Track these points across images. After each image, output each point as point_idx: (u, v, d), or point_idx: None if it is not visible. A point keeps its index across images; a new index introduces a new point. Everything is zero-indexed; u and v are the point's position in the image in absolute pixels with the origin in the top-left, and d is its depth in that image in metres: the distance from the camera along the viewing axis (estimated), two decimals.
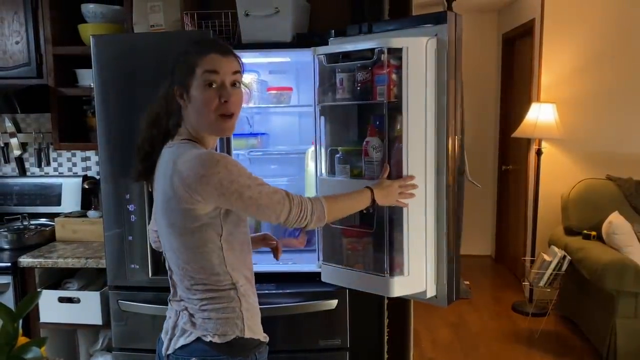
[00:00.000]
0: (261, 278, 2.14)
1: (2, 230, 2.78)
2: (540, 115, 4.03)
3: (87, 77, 2.74)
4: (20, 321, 1.15)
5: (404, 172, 1.81)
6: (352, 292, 2.21)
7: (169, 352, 1.54)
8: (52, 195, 3.03)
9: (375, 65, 1.84)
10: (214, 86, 1.47)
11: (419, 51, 1.79)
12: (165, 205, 1.47)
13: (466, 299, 4.33)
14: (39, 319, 2.49)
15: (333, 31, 2.10)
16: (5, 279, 2.48)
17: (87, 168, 3.12)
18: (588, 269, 3.49)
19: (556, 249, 3.80)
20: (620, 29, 4.20)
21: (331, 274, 2.08)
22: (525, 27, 4.71)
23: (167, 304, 1.63)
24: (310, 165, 2.39)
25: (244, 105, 1.59)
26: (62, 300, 2.46)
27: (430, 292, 1.93)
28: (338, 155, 2.03)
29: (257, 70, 2.61)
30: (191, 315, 1.52)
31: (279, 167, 2.78)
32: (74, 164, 3.13)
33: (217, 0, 2.55)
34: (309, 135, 2.38)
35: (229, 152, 2.14)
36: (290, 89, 2.62)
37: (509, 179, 5.31)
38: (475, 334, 3.93)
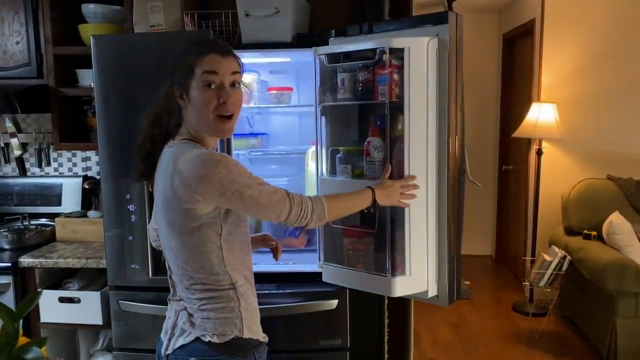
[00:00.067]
0: (261, 278, 2.15)
1: (2, 230, 2.78)
2: (541, 115, 4.03)
3: (88, 77, 2.74)
4: (21, 321, 1.16)
5: (406, 172, 1.81)
6: (352, 292, 2.21)
7: (168, 352, 1.55)
8: (52, 196, 3.03)
9: (376, 65, 1.84)
10: (213, 87, 1.47)
11: (420, 51, 1.79)
12: (165, 205, 1.47)
13: (467, 299, 4.35)
14: (39, 319, 2.49)
15: (333, 31, 2.10)
16: (6, 279, 2.48)
17: (88, 168, 3.12)
18: (588, 269, 3.49)
19: (556, 249, 3.80)
20: (621, 29, 4.20)
21: (332, 274, 2.08)
22: (525, 27, 4.71)
23: (167, 304, 1.63)
24: (311, 165, 2.39)
25: (244, 105, 1.59)
26: (62, 300, 2.46)
27: (432, 292, 1.93)
28: (339, 155, 2.03)
29: (257, 70, 2.61)
30: (190, 315, 1.52)
31: (279, 167, 2.78)
32: (74, 164, 3.13)
33: (217, 1, 2.55)
34: (309, 135, 2.38)
35: (229, 152, 2.14)
36: (291, 89, 2.62)
37: (509, 179, 5.31)
38: (475, 334, 3.93)
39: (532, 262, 4.04)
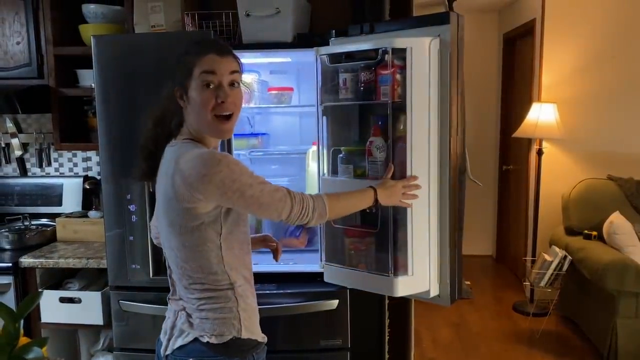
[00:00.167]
0: (262, 278, 2.15)
1: (3, 230, 2.78)
2: (541, 115, 4.03)
3: (88, 78, 2.74)
4: (22, 321, 1.16)
5: (408, 172, 1.81)
6: (353, 292, 2.21)
7: (167, 352, 1.55)
8: (53, 196, 3.03)
9: (379, 66, 1.84)
10: (211, 87, 1.47)
11: (422, 51, 1.79)
12: (166, 204, 1.47)
13: (467, 299, 4.34)
14: (40, 319, 2.49)
15: (334, 31, 2.10)
16: (7, 279, 2.48)
17: (88, 168, 3.12)
18: (589, 269, 3.49)
19: (557, 249, 3.79)
20: (621, 29, 4.20)
21: (334, 274, 2.09)
22: (526, 27, 4.71)
23: (167, 304, 1.63)
24: (311, 166, 2.39)
25: (245, 105, 1.59)
26: (63, 300, 2.46)
27: (434, 292, 1.93)
28: (341, 155, 2.03)
29: (257, 70, 2.61)
30: (189, 316, 1.52)
31: (280, 167, 2.78)
32: (75, 164, 3.13)
33: (217, 1, 2.55)
34: (310, 136, 2.38)
35: (229, 152, 2.14)
36: (291, 89, 2.62)
37: (509, 179, 5.31)
38: (476, 334, 3.93)
39: (533, 262, 4.04)
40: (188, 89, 1.48)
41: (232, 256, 1.51)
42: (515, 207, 5.08)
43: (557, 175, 4.30)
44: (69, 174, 3.12)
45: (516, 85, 5.17)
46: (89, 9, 2.70)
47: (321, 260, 2.12)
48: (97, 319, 2.47)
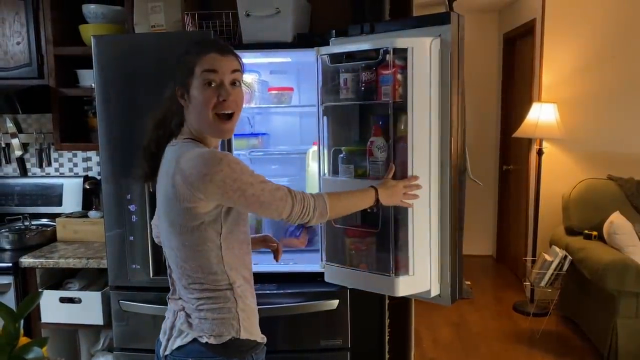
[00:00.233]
0: (262, 278, 2.15)
1: (3, 230, 2.78)
2: (541, 115, 4.03)
3: (88, 78, 2.74)
4: (22, 321, 1.16)
5: (409, 172, 1.82)
6: (353, 292, 2.21)
7: (167, 352, 1.55)
8: (53, 196, 3.03)
9: (380, 66, 1.85)
10: (212, 85, 1.47)
11: (423, 51, 1.79)
12: (167, 204, 1.47)
13: (467, 299, 4.34)
14: (40, 319, 2.49)
15: (334, 31, 2.10)
16: (7, 279, 2.48)
17: (88, 168, 3.12)
18: (589, 269, 3.49)
19: (557, 249, 3.79)
20: (621, 29, 4.20)
21: (335, 274, 2.09)
22: (526, 27, 4.71)
23: (167, 304, 1.63)
24: (311, 166, 2.39)
25: (245, 105, 1.59)
26: (63, 300, 2.46)
27: (434, 291, 1.93)
28: (342, 155, 2.03)
29: (258, 70, 2.61)
30: (188, 316, 1.52)
31: (280, 167, 2.78)
32: (75, 164, 3.13)
33: (218, 1, 2.55)
34: (310, 136, 2.38)
35: (230, 151, 2.14)
36: (291, 89, 2.62)
37: (510, 179, 5.31)
38: (476, 334, 3.93)
39: (533, 262, 4.04)
40: (189, 87, 1.48)
41: (232, 256, 1.51)
42: (516, 207, 5.08)
43: (558, 175, 4.30)
44: (69, 174, 3.12)
45: (516, 85, 5.17)
46: (89, 9, 2.70)
47: (322, 260, 2.12)
48: (97, 319, 2.47)
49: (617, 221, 3.65)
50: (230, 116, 1.50)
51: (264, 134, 2.75)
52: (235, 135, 2.07)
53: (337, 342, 2.25)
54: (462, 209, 1.92)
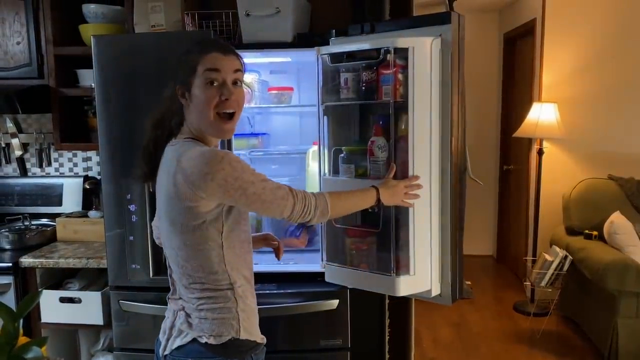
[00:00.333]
0: (262, 278, 2.15)
1: (3, 230, 2.78)
2: (542, 115, 4.03)
3: (88, 78, 2.74)
4: (21, 321, 1.15)
5: (410, 172, 1.81)
6: (353, 292, 2.21)
7: (166, 352, 1.55)
8: (53, 196, 3.03)
9: (380, 65, 1.84)
10: (215, 84, 1.47)
11: (424, 51, 1.79)
12: (168, 203, 1.47)
13: (468, 298, 4.34)
14: (40, 319, 2.49)
15: (334, 31, 2.10)
16: (7, 279, 2.48)
17: (88, 168, 3.12)
18: (589, 269, 3.49)
19: (558, 249, 3.79)
20: (621, 29, 4.19)
21: (335, 274, 2.08)
22: (526, 27, 4.71)
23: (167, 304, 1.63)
24: (311, 165, 2.39)
25: (245, 105, 1.59)
26: (63, 300, 2.46)
27: (435, 291, 1.93)
28: (342, 155, 2.03)
29: (258, 70, 2.61)
30: (188, 315, 1.52)
31: (280, 167, 2.78)
32: (75, 164, 3.13)
33: (218, 1, 2.55)
34: (310, 135, 2.38)
35: (230, 151, 2.14)
36: (291, 88, 2.62)
37: (510, 178, 5.31)
38: (476, 334, 3.92)
39: (533, 262, 4.04)
40: (191, 86, 1.48)
41: (233, 255, 1.51)
42: (516, 207, 5.08)
43: (558, 175, 4.30)
44: (69, 174, 3.12)
45: (517, 85, 5.17)
46: (89, 9, 2.70)
47: (322, 260, 2.12)
48: (97, 319, 2.47)
49: (617, 221, 3.65)
50: (231, 116, 1.51)
51: (264, 133, 2.75)
52: (235, 135, 2.06)
53: (337, 342, 2.25)
54: (462, 208, 1.92)
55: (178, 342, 1.52)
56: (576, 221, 3.96)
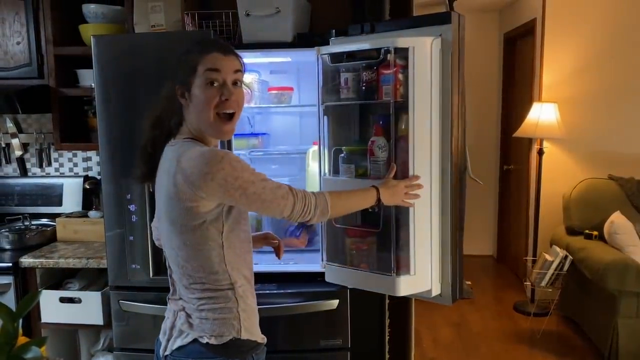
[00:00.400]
0: (262, 278, 2.15)
1: (3, 230, 2.78)
2: (542, 115, 4.03)
3: (88, 78, 2.74)
4: (21, 321, 1.15)
5: (410, 172, 1.81)
6: (353, 292, 2.21)
7: (167, 353, 1.54)
8: (53, 196, 3.03)
9: (381, 65, 1.84)
10: (215, 84, 1.47)
11: (424, 51, 1.79)
12: (167, 203, 1.47)
13: (468, 298, 4.34)
14: (40, 319, 2.49)
15: (334, 31, 2.10)
16: (7, 279, 2.48)
17: (88, 168, 3.12)
18: (590, 269, 3.49)
19: (558, 249, 3.79)
20: (622, 29, 4.19)
21: (335, 274, 2.08)
22: (526, 27, 4.71)
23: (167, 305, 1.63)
24: (312, 165, 2.39)
25: (245, 105, 1.59)
26: (63, 300, 2.46)
27: (435, 291, 1.93)
28: (342, 155, 2.02)
29: (258, 70, 2.61)
30: (188, 316, 1.52)
31: (280, 167, 2.78)
32: (75, 164, 3.13)
33: (217, 1, 2.55)
34: (310, 135, 2.38)
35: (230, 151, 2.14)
36: (291, 88, 2.62)
37: (510, 178, 5.31)
38: (476, 334, 3.92)
39: (534, 262, 4.03)
40: (191, 86, 1.48)
41: (234, 255, 1.51)
42: (516, 207, 5.08)
43: (558, 175, 4.30)
44: (69, 174, 3.12)
45: (517, 84, 5.17)
46: (89, 9, 2.70)
47: (322, 260, 2.12)
48: (97, 319, 2.46)
49: (617, 221, 3.65)
50: (231, 116, 1.51)
51: (264, 133, 2.75)
52: (235, 135, 2.06)
53: (337, 342, 2.25)
54: (462, 208, 1.92)
55: (179, 343, 1.52)
56: (576, 221, 3.96)
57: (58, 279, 2.62)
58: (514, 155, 5.18)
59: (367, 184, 1.77)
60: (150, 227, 2.01)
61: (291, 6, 2.27)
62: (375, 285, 1.96)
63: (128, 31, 2.59)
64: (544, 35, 4.28)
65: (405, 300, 2.52)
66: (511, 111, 5.25)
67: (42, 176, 3.11)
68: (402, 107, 1.82)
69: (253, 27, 2.31)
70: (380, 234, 1.93)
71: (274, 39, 2.29)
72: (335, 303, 2.21)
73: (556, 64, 4.27)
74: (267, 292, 2.20)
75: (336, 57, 1.97)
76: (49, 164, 3.09)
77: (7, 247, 2.67)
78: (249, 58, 2.28)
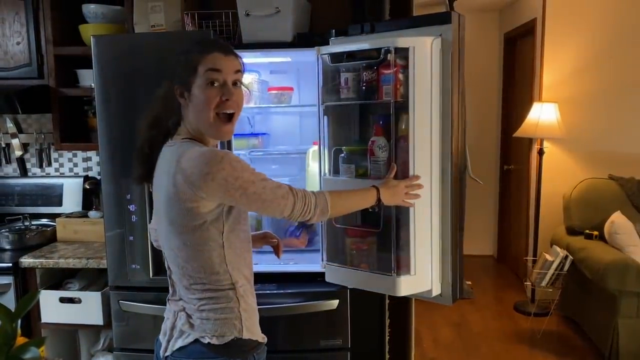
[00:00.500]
0: (262, 278, 2.15)
1: (3, 230, 2.78)
2: (542, 114, 4.02)
3: (88, 78, 2.74)
4: (19, 321, 1.15)
5: (410, 172, 1.81)
6: (353, 292, 2.21)
7: (167, 353, 1.54)
8: (53, 196, 3.03)
9: (381, 65, 1.84)
10: (216, 84, 1.47)
11: (424, 51, 1.79)
12: (167, 204, 1.47)
13: (468, 298, 4.34)
14: (40, 319, 2.49)
15: (334, 31, 2.10)
16: (7, 279, 2.48)
17: (88, 168, 3.12)
18: (590, 269, 3.48)
19: (558, 249, 3.79)
20: (622, 29, 4.19)
21: (336, 274, 2.08)
22: (526, 27, 4.70)
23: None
24: (311, 165, 2.38)
25: (244, 105, 1.59)
26: (63, 300, 2.46)
27: (436, 291, 1.93)
28: (342, 155, 2.02)
29: (257, 70, 2.61)
30: (189, 316, 1.52)
31: (280, 167, 2.78)
32: (75, 164, 3.13)
33: (217, 1, 2.55)
34: (310, 135, 2.38)
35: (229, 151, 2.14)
36: (291, 88, 2.62)
37: (510, 178, 5.30)
38: (477, 334, 3.92)
39: (534, 262, 4.03)
40: (191, 86, 1.47)
41: (234, 254, 1.51)
42: (516, 207, 5.08)
43: (558, 175, 4.29)
44: (69, 174, 3.12)
45: (517, 84, 5.16)
46: (89, 9, 2.70)
47: (322, 260, 2.12)
48: (97, 319, 2.46)
49: (618, 221, 3.64)
50: (230, 117, 1.50)
51: (264, 133, 2.74)
52: (235, 135, 2.07)
53: (337, 342, 2.25)
54: (463, 208, 1.92)
55: (180, 343, 1.51)
56: (577, 221, 3.95)
57: (58, 279, 2.62)
58: (514, 155, 5.17)
59: (367, 184, 1.76)
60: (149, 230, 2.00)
61: (291, 6, 2.27)
62: (376, 285, 1.96)
63: (128, 31, 2.59)
64: (544, 35, 4.28)
65: (406, 300, 2.52)
66: (511, 111, 5.25)
67: (42, 176, 3.11)
68: (402, 107, 1.82)
69: (253, 27, 2.31)
70: (380, 234, 1.93)
71: (273, 39, 2.29)
72: (335, 303, 2.21)
73: (556, 64, 4.27)
74: (267, 292, 2.20)
75: (336, 57, 1.97)
76: (49, 164, 3.09)
77: (7, 247, 2.67)
78: (248, 58, 2.28)
